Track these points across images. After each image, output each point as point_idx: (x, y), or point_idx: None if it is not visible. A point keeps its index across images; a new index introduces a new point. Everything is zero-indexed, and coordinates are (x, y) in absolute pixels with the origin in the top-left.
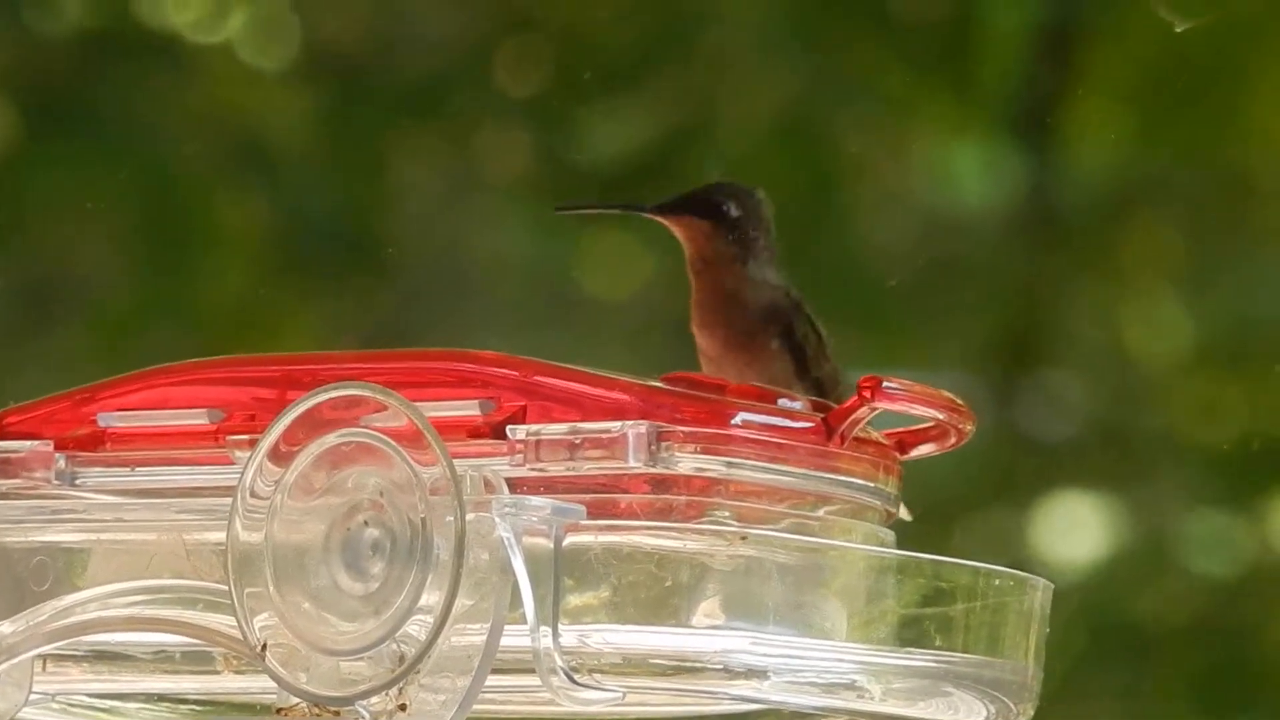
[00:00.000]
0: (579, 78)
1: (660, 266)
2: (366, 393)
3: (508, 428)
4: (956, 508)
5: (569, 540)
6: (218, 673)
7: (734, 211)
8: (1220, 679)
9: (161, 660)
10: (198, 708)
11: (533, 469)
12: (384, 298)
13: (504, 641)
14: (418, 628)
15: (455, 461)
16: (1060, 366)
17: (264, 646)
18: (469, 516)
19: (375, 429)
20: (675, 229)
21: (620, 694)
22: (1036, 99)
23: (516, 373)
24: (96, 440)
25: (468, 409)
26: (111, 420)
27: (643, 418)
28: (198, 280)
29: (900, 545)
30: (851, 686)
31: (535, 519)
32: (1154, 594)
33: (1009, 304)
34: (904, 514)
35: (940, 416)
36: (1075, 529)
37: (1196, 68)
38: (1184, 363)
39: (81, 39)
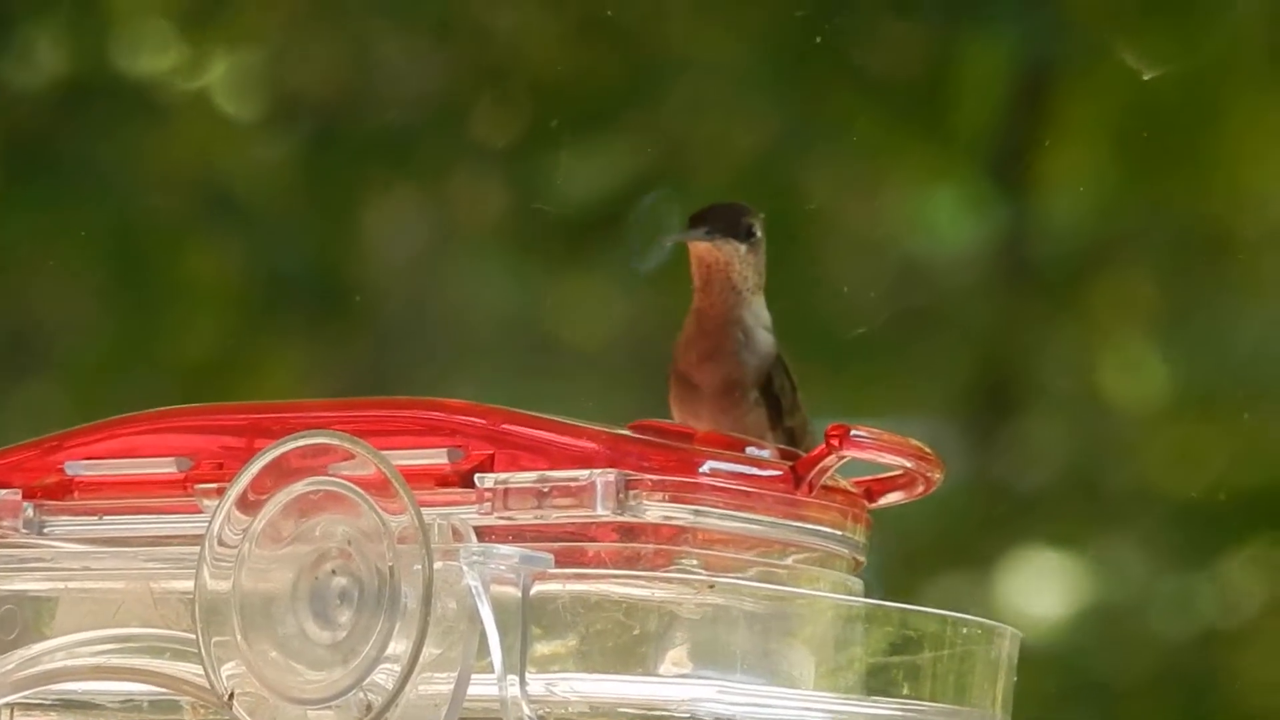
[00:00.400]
0: (550, 125)
1: (632, 314)
2: (334, 441)
3: (476, 476)
4: (927, 556)
5: (537, 589)
6: None
7: (758, 232)
8: None
9: (129, 709)
10: None
11: (501, 517)
12: (357, 347)
13: (471, 690)
14: (385, 676)
15: (423, 510)
16: (1034, 414)
17: (231, 695)
18: (437, 565)
19: (343, 477)
20: (712, 254)
21: None
22: (1012, 147)
23: (484, 421)
24: (64, 489)
25: (436, 457)
26: (79, 469)
27: (611, 466)
28: (169, 330)
29: (868, 594)
30: None
31: (503, 567)
32: (1120, 647)
33: (983, 351)
34: None
35: (908, 465)
36: (1045, 579)
37: (1172, 116)
38: (1158, 412)
39: (57, 89)
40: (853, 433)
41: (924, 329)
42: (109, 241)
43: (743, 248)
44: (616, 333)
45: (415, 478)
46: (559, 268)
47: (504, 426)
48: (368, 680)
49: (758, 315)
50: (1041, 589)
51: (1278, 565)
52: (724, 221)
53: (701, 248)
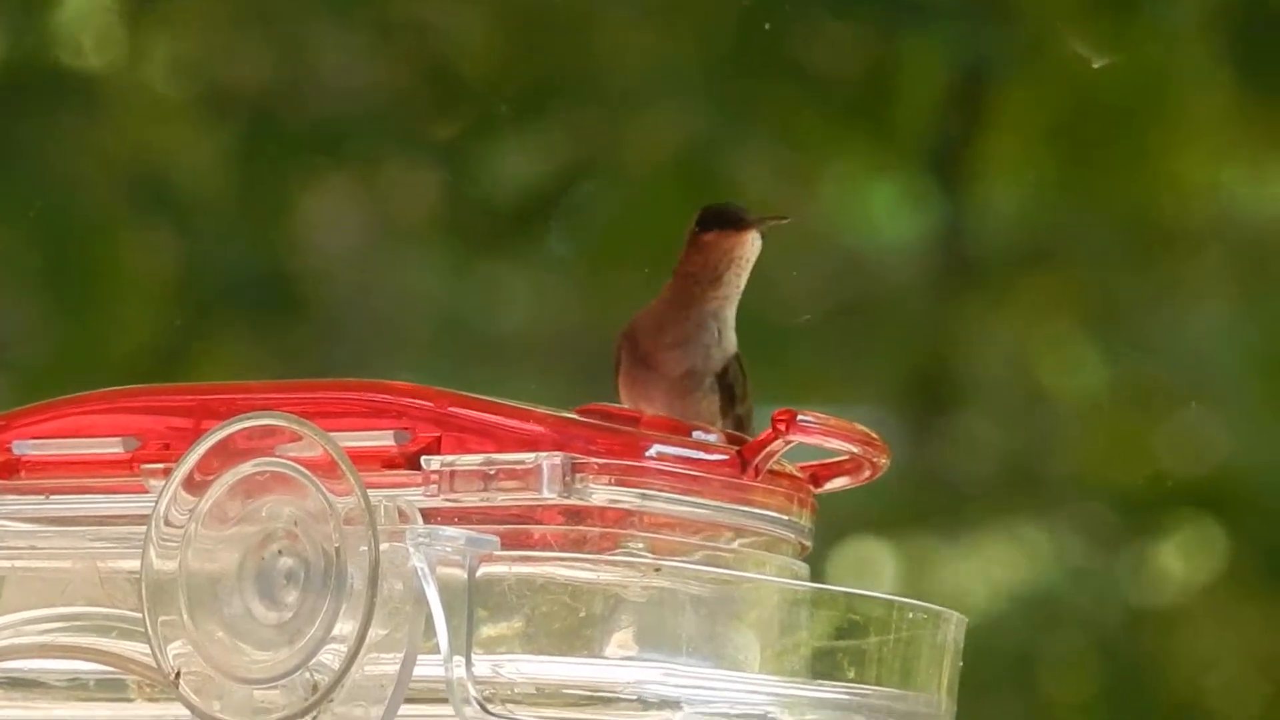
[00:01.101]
0: (484, 114)
1: (570, 302)
2: (281, 422)
3: (422, 458)
4: (868, 544)
5: (483, 571)
6: (131, 700)
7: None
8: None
9: (75, 688)
10: None
11: (447, 499)
12: (296, 338)
13: (417, 671)
14: (331, 656)
15: (370, 491)
16: (971, 406)
17: (178, 674)
18: (383, 546)
19: (290, 459)
20: (731, 243)
21: None
22: (950, 141)
23: (431, 403)
24: (11, 468)
25: (382, 439)
26: (26, 448)
27: (557, 449)
28: (106, 321)
29: (813, 578)
30: (764, 718)
31: (449, 549)
32: (1054, 632)
33: (921, 344)
34: None
35: (855, 450)
36: (984, 567)
37: (1109, 112)
38: (1095, 403)
39: None
40: (799, 418)
41: (862, 322)
42: (45, 232)
43: (759, 243)
44: (553, 321)
45: (362, 459)
46: (495, 257)
47: (451, 409)
48: (314, 660)
49: (729, 315)
50: (984, 573)
51: (1209, 552)
52: (759, 216)
53: (749, 237)
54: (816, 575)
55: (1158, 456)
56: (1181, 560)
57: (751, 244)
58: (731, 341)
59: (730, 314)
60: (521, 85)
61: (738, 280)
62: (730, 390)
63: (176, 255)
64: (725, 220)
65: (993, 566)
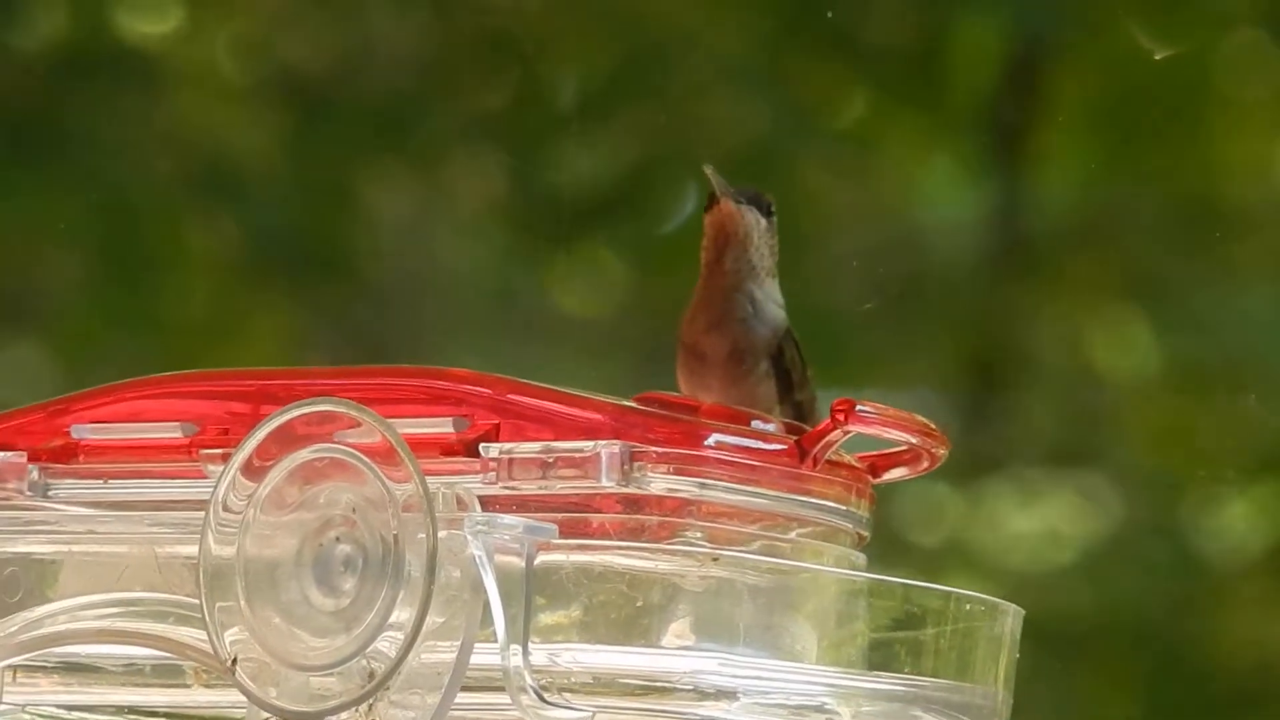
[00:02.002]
0: (547, 101)
1: (627, 287)
2: (340, 409)
3: (481, 446)
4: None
5: (541, 559)
6: (188, 686)
7: (774, 210)
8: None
9: (131, 673)
10: None
11: (505, 487)
12: (351, 316)
13: (474, 659)
14: (388, 644)
15: (428, 479)
16: (1025, 387)
17: (234, 661)
18: (441, 534)
19: (349, 445)
20: (735, 222)
21: (590, 713)
22: (1007, 123)
23: (490, 391)
24: (70, 452)
25: (441, 426)
26: (85, 432)
27: (616, 437)
28: (162, 296)
29: (870, 568)
30: (820, 709)
31: (507, 537)
32: (1109, 609)
33: (976, 325)
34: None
35: (913, 440)
36: (1037, 546)
37: (1165, 94)
38: (1150, 387)
39: (52, 54)
40: (858, 408)
41: (916, 303)
42: (103, 207)
43: (763, 221)
44: (613, 307)
45: (420, 446)
46: (554, 241)
47: (510, 396)
48: (371, 648)
49: (768, 292)
50: (1031, 556)
51: (1259, 530)
52: (749, 195)
53: (729, 209)
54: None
55: (1209, 436)
56: (1232, 538)
57: (734, 216)
58: (774, 315)
59: (758, 288)
60: (586, 71)
61: (744, 254)
62: (787, 375)
63: (232, 231)
64: (709, 199)
65: (1045, 546)
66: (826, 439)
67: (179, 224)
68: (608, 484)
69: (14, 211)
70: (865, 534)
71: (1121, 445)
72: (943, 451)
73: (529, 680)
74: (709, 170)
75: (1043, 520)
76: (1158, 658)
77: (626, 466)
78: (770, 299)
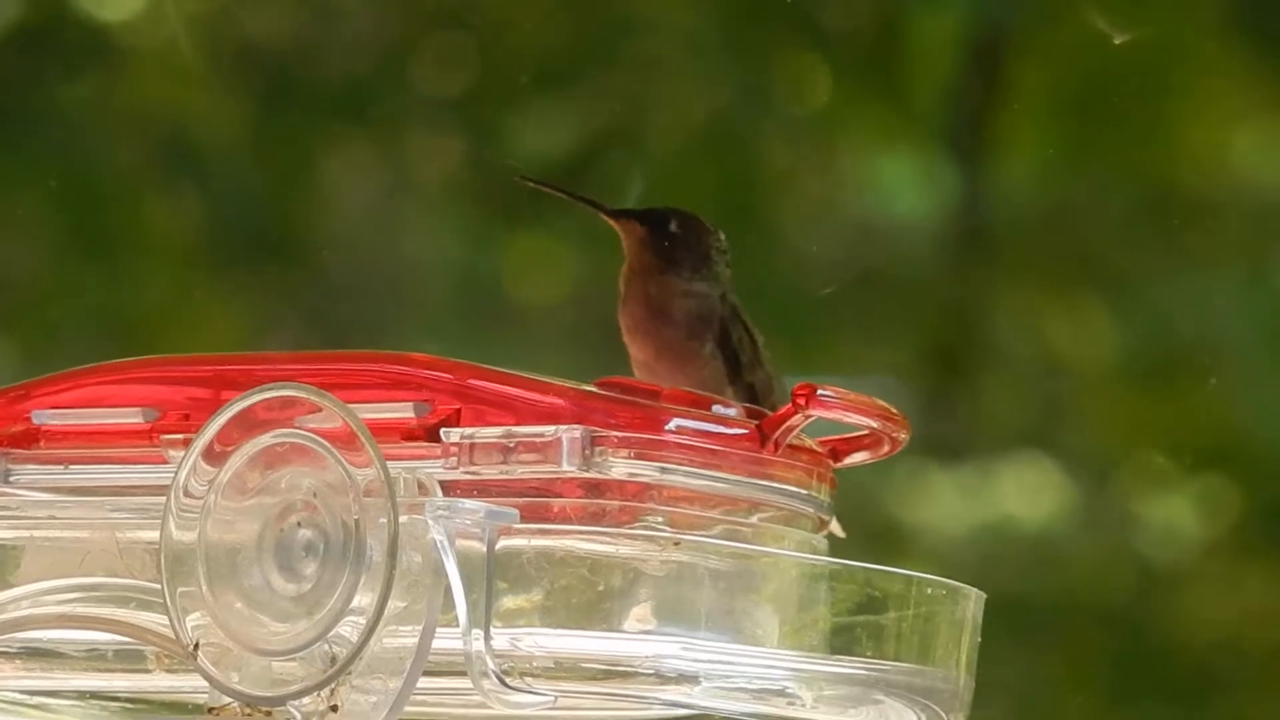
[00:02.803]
0: (506, 80)
1: (590, 271)
2: (301, 394)
3: (442, 431)
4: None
5: (502, 544)
6: (149, 671)
7: (673, 227)
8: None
9: (94, 658)
10: (129, 706)
11: (466, 472)
12: (312, 299)
13: (436, 644)
14: (350, 629)
15: (389, 464)
16: (988, 377)
17: (196, 646)
18: (402, 519)
19: (309, 430)
20: (619, 232)
21: (552, 698)
22: (968, 111)
23: (451, 376)
24: (31, 438)
25: (402, 411)
26: (46, 418)
27: (577, 422)
28: (123, 281)
29: (832, 553)
30: (782, 693)
31: (468, 522)
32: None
33: (938, 314)
34: (837, 530)
35: (874, 425)
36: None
37: (1126, 82)
38: (1109, 373)
39: (13, 35)
40: (819, 392)
41: (878, 291)
42: (63, 191)
43: (641, 230)
44: (573, 288)
45: (381, 431)
46: (516, 224)
47: (470, 381)
48: (333, 633)
49: (676, 287)
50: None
51: (1221, 515)
52: (641, 210)
53: (618, 228)
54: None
55: (1168, 422)
56: (1195, 524)
57: (619, 228)
58: (693, 305)
59: (661, 289)
60: (544, 50)
61: (640, 262)
62: (735, 356)
63: (196, 215)
64: None
65: (1005, 531)
66: (788, 423)
67: (140, 208)
68: (569, 469)
69: None
70: (827, 518)
71: (1081, 431)
72: (904, 436)
73: (491, 665)
74: (531, 182)
75: (1002, 505)
76: (1118, 640)
77: (587, 451)
78: (681, 290)
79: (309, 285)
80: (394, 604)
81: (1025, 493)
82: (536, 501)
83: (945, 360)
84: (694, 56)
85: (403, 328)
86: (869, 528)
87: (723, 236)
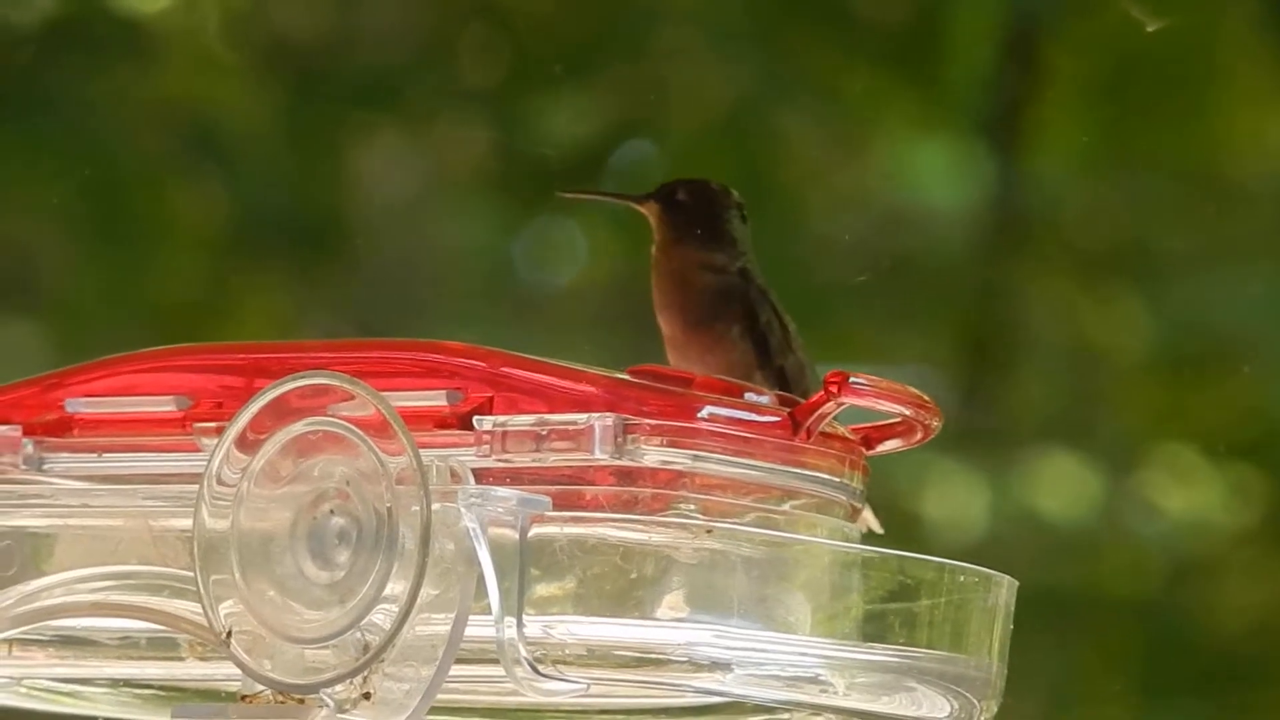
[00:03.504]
0: (534, 70)
1: (620, 258)
2: (334, 382)
3: (474, 418)
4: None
5: (534, 531)
6: (182, 659)
7: (681, 196)
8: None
9: (126, 646)
10: (161, 693)
11: (499, 460)
12: (341, 289)
13: (468, 632)
14: (382, 617)
15: (421, 451)
16: (1021, 366)
17: (229, 633)
18: (435, 506)
19: (342, 418)
20: (645, 215)
21: (584, 685)
22: (1002, 99)
23: (484, 364)
24: (64, 426)
25: (435, 399)
26: (79, 406)
27: (609, 410)
28: (153, 270)
29: (866, 540)
30: (815, 680)
31: (501, 510)
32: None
33: (971, 304)
34: (874, 524)
35: (907, 412)
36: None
37: (1161, 71)
38: (1145, 363)
39: (46, 27)
40: (852, 379)
41: (912, 280)
42: (95, 181)
43: (657, 206)
44: (603, 277)
45: (414, 419)
46: (545, 212)
47: (503, 369)
48: (365, 620)
49: (697, 261)
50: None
51: (1252, 505)
52: (658, 188)
53: (642, 210)
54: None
55: (1202, 411)
56: (1227, 513)
57: (643, 210)
58: (718, 281)
59: (686, 263)
60: (572, 40)
61: (662, 239)
62: (764, 340)
63: (226, 205)
64: None
65: (1038, 520)
66: (820, 411)
67: (171, 198)
68: (601, 456)
69: (6, 186)
70: (859, 506)
71: (1114, 420)
72: (936, 423)
73: (523, 652)
74: (570, 195)
75: (1034, 494)
76: (1151, 629)
77: (620, 439)
78: (706, 265)
79: (340, 275)
80: (427, 592)
81: (1057, 482)
82: (569, 489)
83: (978, 349)
84: (720, 45)
85: (433, 316)
86: (896, 516)
87: (735, 194)
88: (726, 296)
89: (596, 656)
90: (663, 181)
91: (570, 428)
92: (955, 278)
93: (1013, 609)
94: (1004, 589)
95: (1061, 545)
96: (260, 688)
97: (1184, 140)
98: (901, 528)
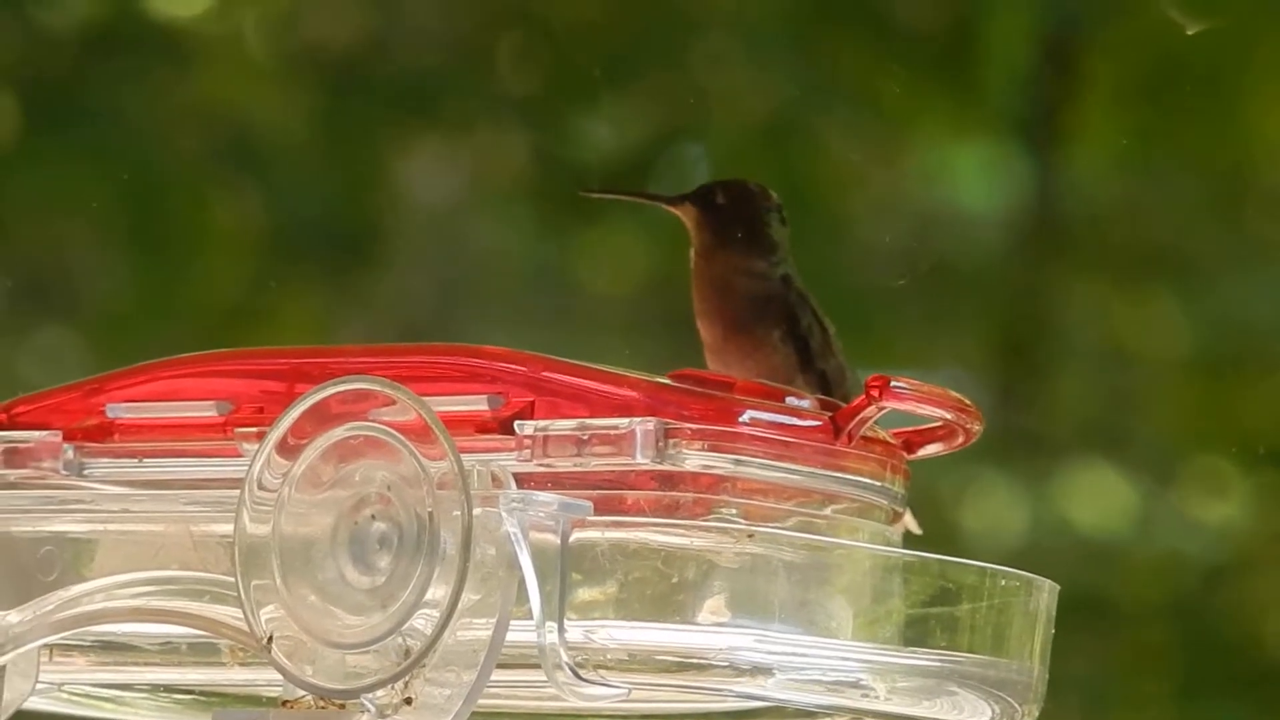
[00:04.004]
0: (573, 76)
1: (657, 264)
2: (375, 387)
3: (515, 423)
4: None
5: (576, 536)
6: (223, 665)
7: (719, 199)
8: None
9: (168, 651)
10: (202, 699)
11: (540, 465)
12: (379, 295)
13: (510, 637)
14: (424, 622)
15: (463, 456)
16: (1057, 368)
17: (270, 639)
18: (476, 511)
19: (383, 423)
20: (681, 219)
21: (625, 690)
22: (1039, 103)
23: (525, 368)
24: (105, 431)
25: (476, 404)
26: (120, 411)
27: (650, 414)
28: (191, 276)
29: (905, 544)
30: (856, 685)
31: (542, 514)
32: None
33: (1008, 306)
34: (913, 525)
35: (948, 416)
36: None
37: (1198, 73)
38: (1181, 366)
39: (84, 32)
40: (893, 384)
41: (949, 283)
42: (133, 187)
43: (694, 210)
44: (640, 282)
45: (455, 424)
46: (583, 219)
47: (544, 374)
48: (407, 625)
49: (740, 265)
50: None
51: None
52: (694, 190)
53: (679, 214)
54: None
55: (1240, 413)
56: (1264, 517)
57: (679, 213)
58: (759, 286)
59: (728, 268)
60: (611, 47)
61: (700, 244)
62: (805, 344)
63: (264, 211)
64: None
65: (1078, 524)
66: (861, 415)
67: (209, 204)
68: (642, 461)
69: (45, 192)
70: (901, 510)
71: (1150, 424)
72: (978, 427)
73: (564, 657)
74: (594, 194)
75: (1071, 498)
76: (1191, 631)
77: (661, 443)
78: (746, 270)
79: (377, 280)
80: (468, 597)
81: (1094, 485)
82: (610, 494)
83: (1014, 352)
84: (759, 51)
85: (471, 322)
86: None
87: (774, 196)
88: (767, 301)
89: (638, 661)
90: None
91: (612, 432)
92: (991, 281)
93: (1054, 613)
94: (1045, 593)
95: (1098, 549)
96: (301, 693)
97: (1221, 142)
98: (936, 532)
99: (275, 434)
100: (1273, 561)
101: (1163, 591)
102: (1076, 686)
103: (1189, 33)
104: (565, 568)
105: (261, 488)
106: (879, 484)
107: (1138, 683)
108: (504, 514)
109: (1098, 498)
